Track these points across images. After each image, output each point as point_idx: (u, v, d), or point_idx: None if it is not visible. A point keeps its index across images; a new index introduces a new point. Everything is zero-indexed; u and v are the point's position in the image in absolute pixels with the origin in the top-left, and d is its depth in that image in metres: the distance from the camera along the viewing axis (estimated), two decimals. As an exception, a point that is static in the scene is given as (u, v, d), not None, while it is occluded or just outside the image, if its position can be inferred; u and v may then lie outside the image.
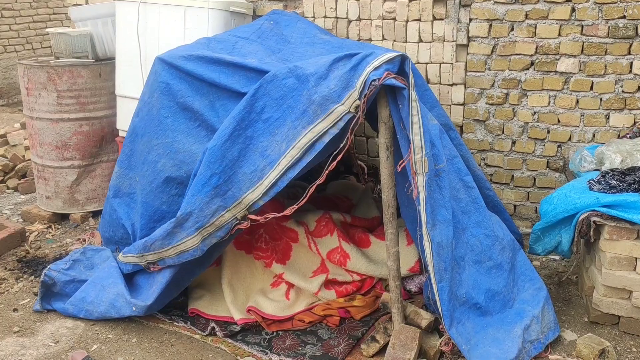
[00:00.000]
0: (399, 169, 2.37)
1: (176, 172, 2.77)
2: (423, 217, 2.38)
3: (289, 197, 3.48)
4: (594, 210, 2.59)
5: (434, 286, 2.41)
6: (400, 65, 2.26)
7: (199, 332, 2.84)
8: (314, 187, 2.32)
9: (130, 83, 3.80)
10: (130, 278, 2.96)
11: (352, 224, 3.35)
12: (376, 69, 2.20)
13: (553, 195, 2.92)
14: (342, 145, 2.31)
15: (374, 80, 2.18)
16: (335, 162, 2.30)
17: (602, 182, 2.80)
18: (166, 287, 2.72)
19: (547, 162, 3.79)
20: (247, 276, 3.11)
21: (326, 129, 2.32)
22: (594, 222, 2.58)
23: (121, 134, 3.95)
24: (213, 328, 2.83)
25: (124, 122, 3.82)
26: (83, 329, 2.87)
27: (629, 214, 2.48)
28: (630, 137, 3.38)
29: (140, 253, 2.76)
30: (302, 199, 2.35)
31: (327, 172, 2.29)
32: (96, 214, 4.14)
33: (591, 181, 2.85)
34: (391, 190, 2.47)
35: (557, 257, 2.93)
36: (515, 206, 3.96)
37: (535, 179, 3.87)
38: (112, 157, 4.11)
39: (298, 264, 3.13)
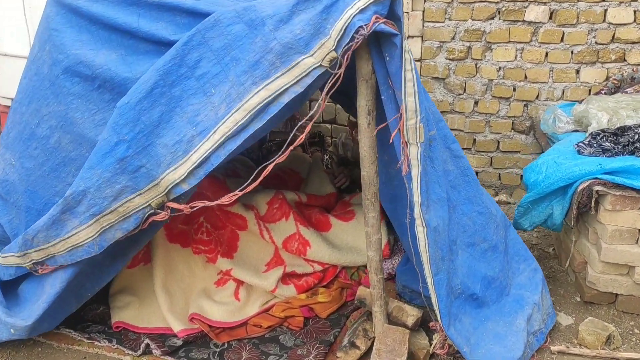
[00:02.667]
0: (391, 140, 1.96)
1: (75, 151, 2.15)
2: (416, 197, 2.00)
3: (227, 174, 2.99)
4: (596, 178, 2.34)
5: (429, 279, 2.07)
6: (391, 5, 1.81)
7: (130, 352, 2.33)
8: (271, 166, 1.84)
9: (11, 38, 3.07)
10: (16, 287, 2.34)
11: (307, 204, 2.92)
12: (361, 11, 1.74)
13: (539, 162, 2.66)
14: (312, 113, 1.85)
15: (361, 27, 1.73)
16: (303, 136, 1.85)
17: (594, 145, 2.57)
18: (57, 299, 2.15)
19: (512, 123, 3.57)
20: (186, 275, 2.62)
21: (286, 86, 1.82)
22: (597, 191, 2.33)
23: (3, 102, 3.22)
24: (147, 345, 2.34)
25: (6, 88, 3.10)
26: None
27: (638, 181, 2.24)
28: (605, 94, 3.19)
29: (21, 251, 2.15)
30: (251, 182, 1.85)
31: (292, 147, 1.84)
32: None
33: (580, 144, 2.61)
34: (373, 165, 2.06)
35: (528, 229, 2.70)
36: (477, 172, 3.72)
37: (499, 143, 3.64)
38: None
39: (248, 257, 2.68)
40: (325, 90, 1.78)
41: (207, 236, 2.61)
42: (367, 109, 1.99)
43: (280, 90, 1.78)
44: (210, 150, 1.82)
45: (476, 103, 3.59)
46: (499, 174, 3.70)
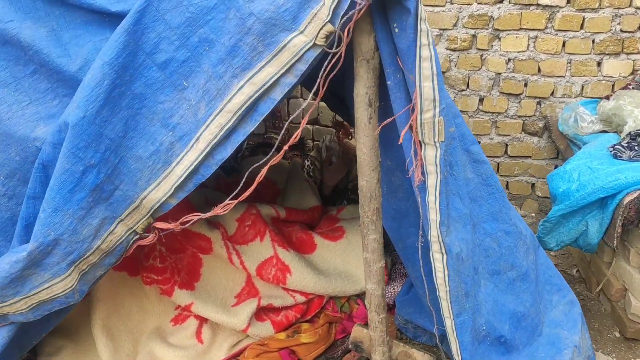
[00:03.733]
0: (401, 140, 1.53)
1: (1, 155, 1.68)
2: (433, 215, 1.58)
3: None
4: (648, 187, 1.95)
5: (449, 321, 1.65)
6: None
7: (58, 415, 1.83)
8: (265, 169, 1.44)
9: None
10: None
11: (286, 220, 2.47)
12: (363, -33, 1.32)
13: (567, 168, 2.26)
14: (305, 104, 1.43)
15: (365, -11, 1.30)
16: (298, 132, 1.44)
17: (635, 148, 2.18)
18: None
19: (523, 123, 3.19)
20: (134, 311, 2.15)
21: (275, 76, 1.39)
22: (650, 204, 1.94)
23: None
24: (81, 405, 1.85)
25: None
26: None
27: (702, 192, 1.85)
28: (633, 89, 2.81)
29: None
30: (241, 190, 1.47)
31: (287, 146, 1.45)
32: None
33: (617, 147, 2.23)
34: (375, 172, 1.63)
35: (554, 249, 2.33)
36: (481, 181, 3.31)
37: (507, 146, 3.26)
38: None
39: (213, 287, 2.23)
40: (322, 75, 1.36)
41: (160, 262, 2.14)
42: (367, 98, 1.55)
43: (268, 84, 1.37)
44: (198, 161, 1.45)
45: (481, 100, 3.19)
46: (507, 182, 3.31)
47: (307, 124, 3.51)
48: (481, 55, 3.11)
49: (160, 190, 1.50)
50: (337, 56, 1.37)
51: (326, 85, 1.39)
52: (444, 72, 3.17)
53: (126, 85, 1.47)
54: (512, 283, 1.89)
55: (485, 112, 3.21)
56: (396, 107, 1.56)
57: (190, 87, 1.44)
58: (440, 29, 3.11)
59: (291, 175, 2.94)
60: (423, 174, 1.56)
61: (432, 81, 1.46)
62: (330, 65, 1.36)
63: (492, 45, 3.07)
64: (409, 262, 2.01)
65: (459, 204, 1.67)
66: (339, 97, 2.33)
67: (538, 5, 2.95)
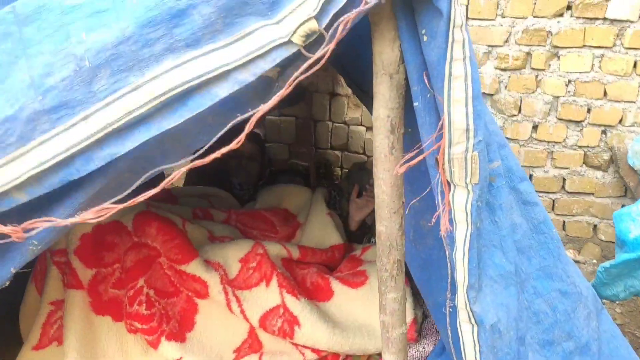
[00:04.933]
0: (415, 162, 1.25)
1: None
2: (460, 276, 1.29)
3: (194, 215, 2.31)
4: None
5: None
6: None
7: None
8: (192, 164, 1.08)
9: None
10: None
11: (300, 261, 2.20)
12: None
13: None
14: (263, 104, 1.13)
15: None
16: (243, 135, 1.08)
17: None
18: None
19: (585, 155, 2.86)
20: (117, 363, 1.90)
21: (227, 67, 1.06)
22: None
23: None
24: None
25: None
26: None
27: None
28: None
29: None
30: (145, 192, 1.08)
31: (236, 143, 1.06)
32: None
33: None
34: (396, 216, 1.35)
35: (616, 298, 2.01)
36: (533, 220, 2.98)
37: (564, 181, 2.93)
38: None
39: (209, 339, 1.97)
40: (294, 77, 1.05)
41: (147, 308, 1.89)
42: (389, 123, 1.28)
43: (213, 73, 1.04)
44: (76, 149, 1.05)
45: (535, 128, 2.88)
46: (564, 222, 2.97)
47: (335, 149, 3.25)
48: (536, 76, 2.80)
49: (6, 173, 1.09)
50: (317, 61, 1.08)
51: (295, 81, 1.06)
52: (491, 95, 2.88)
53: (19, 24, 1.15)
54: (569, 357, 1.56)
55: (540, 140, 2.89)
56: (425, 134, 1.28)
57: (89, 45, 1.09)
58: (489, 46, 2.83)
59: (313, 207, 2.67)
60: (450, 221, 1.27)
61: (466, 106, 1.18)
62: (306, 71, 1.06)
63: (550, 65, 2.77)
64: (441, 320, 1.71)
65: (501, 259, 1.37)
66: (361, 88, 2.04)
67: (605, 19, 2.63)
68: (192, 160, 1.10)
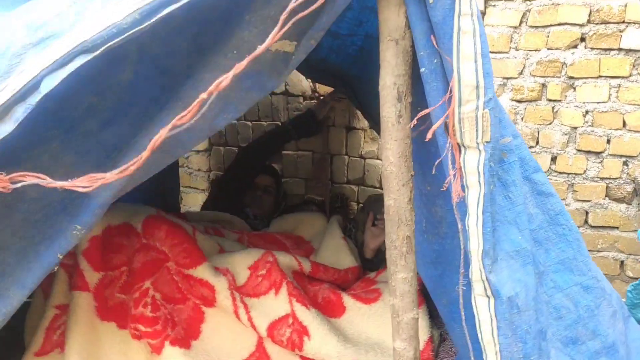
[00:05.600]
0: (430, 135, 1.22)
1: None
2: (474, 244, 1.24)
3: (205, 231, 2.27)
4: None
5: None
6: None
7: None
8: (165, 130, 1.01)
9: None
10: None
11: (312, 276, 2.14)
12: None
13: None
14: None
15: None
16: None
17: None
18: None
19: (607, 187, 2.78)
20: (120, 372, 1.83)
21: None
22: None
23: None
24: None
25: None
26: None
27: None
28: None
29: None
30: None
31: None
32: None
33: None
34: (405, 188, 1.32)
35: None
36: (556, 256, 2.87)
37: (587, 214, 2.83)
38: None
39: (214, 349, 1.91)
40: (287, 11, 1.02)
41: (152, 311, 1.84)
42: (396, 90, 1.28)
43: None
44: (47, 66, 0.95)
45: (554, 159, 2.83)
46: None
47: (352, 184, 3.23)
48: (553, 107, 2.79)
49: None
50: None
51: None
52: (509, 127, 2.86)
53: None
54: (595, 357, 1.45)
55: (560, 172, 2.83)
56: (432, 102, 1.26)
57: None
58: (504, 78, 2.84)
59: (328, 231, 2.62)
60: (462, 187, 1.23)
61: (475, 62, 1.17)
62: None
63: (566, 96, 2.75)
64: (456, 326, 1.62)
65: (516, 235, 1.31)
66: (353, 90, 2.02)
67: (620, 49, 2.64)
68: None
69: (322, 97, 3.00)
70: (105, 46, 0.96)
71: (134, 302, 1.85)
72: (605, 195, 2.79)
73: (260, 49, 0.98)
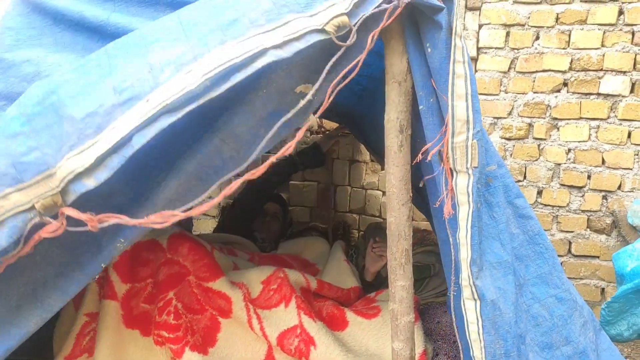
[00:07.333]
0: (429, 157, 1.44)
1: None
2: (464, 253, 1.43)
3: (220, 249, 2.45)
4: None
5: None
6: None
7: None
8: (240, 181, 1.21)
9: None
10: None
11: (318, 293, 2.32)
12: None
13: (637, 246, 2.04)
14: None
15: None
16: (293, 142, 1.24)
17: None
18: None
19: (588, 219, 2.97)
20: (143, 378, 1.99)
21: (265, 46, 1.26)
22: None
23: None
24: None
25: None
26: None
27: None
28: None
29: None
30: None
31: (281, 154, 1.22)
32: None
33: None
34: (405, 208, 1.52)
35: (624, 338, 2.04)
36: (542, 283, 3.05)
37: (570, 244, 3.03)
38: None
39: (229, 356, 2.06)
40: (328, 67, 1.26)
41: (175, 319, 2.01)
42: (398, 124, 1.49)
43: (254, 51, 1.23)
44: (135, 126, 1.15)
45: (540, 193, 3.04)
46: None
47: (353, 212, 3.43)
48: (538, 145, 3.01)
49: (82, 159, 1.16)
50: (347, 48, 1.30)
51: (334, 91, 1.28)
52: (499, 162, 3.08)
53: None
54: (568, 362, 1.63)
55: (545, 205, 3.04)
56: (429, 135, 1.48)
57: (158, 52, 1.25)
58: (495, 117, 3.07)
59: (332, 255, 2.81)
60: (453, 206, 1.44)
61: (466, 101, 1.40)
62: (339, 68, 1.28)
63: (551, 135, 2.98)
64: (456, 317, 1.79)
65: (499, 249, 1.51)
66: (357, 125, 2.23)
67: (599, 94, 2.88)
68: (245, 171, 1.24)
69: (327, 132, 3.23)
70: (186, 108, 1.17)
71: (158, 310, 2.03)
72: (587, 227, 2.99)
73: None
